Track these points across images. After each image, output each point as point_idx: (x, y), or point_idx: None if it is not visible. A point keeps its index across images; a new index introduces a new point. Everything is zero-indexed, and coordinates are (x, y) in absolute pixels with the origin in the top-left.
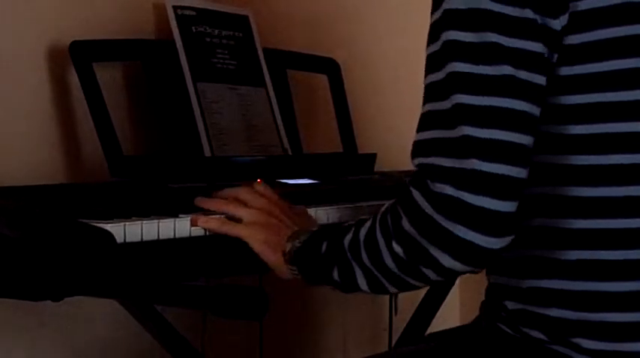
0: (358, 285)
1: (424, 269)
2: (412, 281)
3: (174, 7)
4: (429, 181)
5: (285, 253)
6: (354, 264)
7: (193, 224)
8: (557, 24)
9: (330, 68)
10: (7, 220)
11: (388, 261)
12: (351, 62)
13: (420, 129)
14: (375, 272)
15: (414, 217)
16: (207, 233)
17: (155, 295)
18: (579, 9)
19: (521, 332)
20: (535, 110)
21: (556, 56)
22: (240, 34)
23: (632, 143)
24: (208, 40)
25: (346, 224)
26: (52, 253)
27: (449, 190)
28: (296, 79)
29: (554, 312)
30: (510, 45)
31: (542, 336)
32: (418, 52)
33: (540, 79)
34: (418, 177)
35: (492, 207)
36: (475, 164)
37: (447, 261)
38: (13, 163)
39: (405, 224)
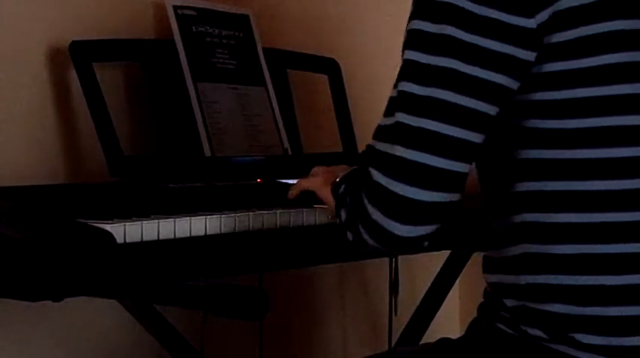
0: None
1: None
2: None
3: (175, 7)
4: (368, 163)
5: (331, 189)
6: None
7: (289, 198)
8: (532, 22)
9: (330, 68)
10: (7, 220)
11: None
12: (351, 62)
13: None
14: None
15: (352, 191)
16: (207, 233)
17: (155, 295)
18: (561, 8)
19: (520, 331)
20: (484, 107)
21: (535, 54)
22: (241, 34)
23: (621, 136)
24: (208, 39)
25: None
26: (52, 253)
27: (375, 174)
28: (296, 79)
29: (554, 308)
30: (466, 40)
31: (541, 334)
32: None
33: (498, 78)
34: (365, 157)
35: (411, 196)
36: (399, 151)
37: (368, 239)
38: (13, 163)
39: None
